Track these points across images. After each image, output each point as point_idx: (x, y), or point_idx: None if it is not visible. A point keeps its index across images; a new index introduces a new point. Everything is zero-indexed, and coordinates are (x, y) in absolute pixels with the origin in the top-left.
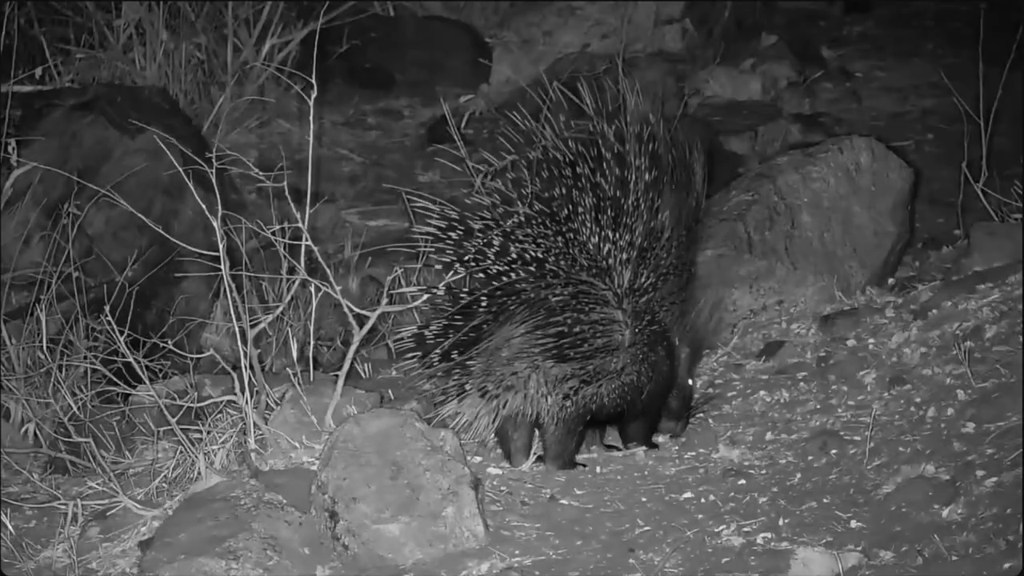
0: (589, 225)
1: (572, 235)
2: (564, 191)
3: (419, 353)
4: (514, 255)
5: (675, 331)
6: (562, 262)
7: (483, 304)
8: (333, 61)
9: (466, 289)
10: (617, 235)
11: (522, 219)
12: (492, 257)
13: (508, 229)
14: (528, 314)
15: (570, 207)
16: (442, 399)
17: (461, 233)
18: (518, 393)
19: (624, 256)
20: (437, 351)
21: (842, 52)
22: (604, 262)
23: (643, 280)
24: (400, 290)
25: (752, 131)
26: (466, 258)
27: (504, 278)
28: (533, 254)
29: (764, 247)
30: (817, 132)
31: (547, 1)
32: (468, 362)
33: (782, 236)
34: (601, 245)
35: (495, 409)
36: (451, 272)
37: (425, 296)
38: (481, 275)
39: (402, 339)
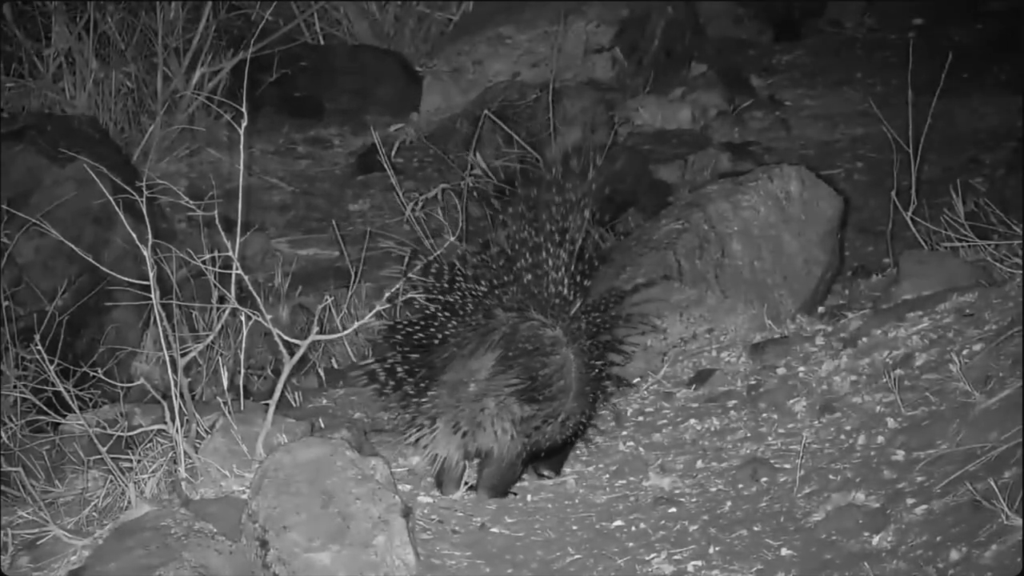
0: (541, 263)
1: (531, 272)
2: (514, 226)
3: (377, 385)
4: (466, 289)
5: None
6: (517, 300)
7: (439, 337)
8: (263, 90)
9: (422, 322)
10: (563, 272)
11: (483, 258)
12: (449, 290)
13: (463, 266)
14: (496, 352)
15: (520, 243)
16: (416, 433)
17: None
18: (487, 431)
19: (572, 294)
20: (391, 382)
21: (772, 81)
22: (556, 299)
23: (588, 317)
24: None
25: (682, 160)
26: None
27: (461, 311)
28: (487, 289)
29: (694, 275)
30: (747, 161)
31: (477, 30)
32: (430, 393)
33: (712, 264)
34: (550, 284)
35: (464, 445)
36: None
37: (356, 326)
38: (437, 309)
39: (361, 372)
